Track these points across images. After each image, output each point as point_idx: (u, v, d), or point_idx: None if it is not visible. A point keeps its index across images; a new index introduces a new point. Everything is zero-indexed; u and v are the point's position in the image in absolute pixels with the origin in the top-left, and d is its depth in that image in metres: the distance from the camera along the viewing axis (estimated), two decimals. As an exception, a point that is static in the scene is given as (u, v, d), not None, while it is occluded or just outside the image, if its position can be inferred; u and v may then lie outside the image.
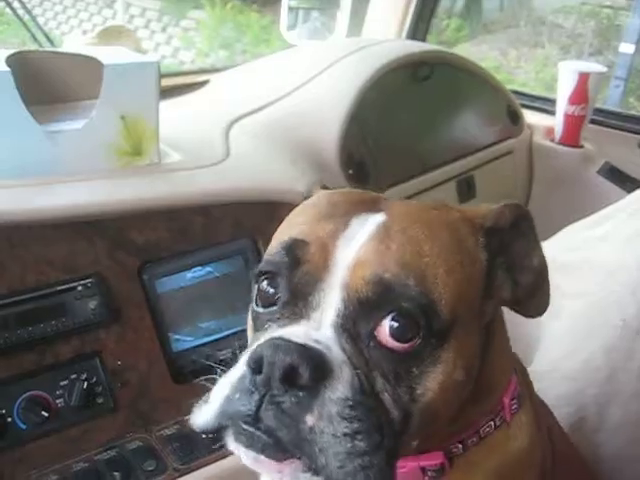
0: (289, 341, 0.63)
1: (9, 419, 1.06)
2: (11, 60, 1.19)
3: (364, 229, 0.70)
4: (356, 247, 0.69)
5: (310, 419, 0.62)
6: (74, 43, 1.90)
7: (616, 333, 1.20)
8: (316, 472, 0.63)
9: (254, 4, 5.81)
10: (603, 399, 1.16)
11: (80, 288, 1.14)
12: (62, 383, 1.10)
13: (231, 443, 0.66)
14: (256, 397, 0.63)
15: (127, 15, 6.02)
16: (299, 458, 0.63)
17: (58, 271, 1.14)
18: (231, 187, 1.33)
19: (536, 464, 0.86)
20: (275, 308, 0.71)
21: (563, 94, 2.35)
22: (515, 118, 2.36)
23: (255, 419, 0.63)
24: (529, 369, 0.95)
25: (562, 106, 2.35)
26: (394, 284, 0.66)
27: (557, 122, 2.40)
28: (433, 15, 2.54)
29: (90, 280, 1.15)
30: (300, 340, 0.64)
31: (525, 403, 0.85)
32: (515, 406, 0.83)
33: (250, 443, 0.64)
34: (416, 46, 2.12)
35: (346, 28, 2.34)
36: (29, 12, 2.21)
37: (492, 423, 0.80)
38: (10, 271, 1.11)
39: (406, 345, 0.66)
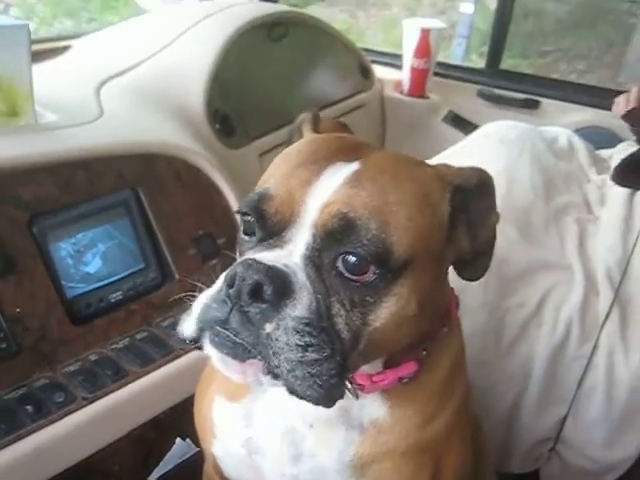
0: (260, 262, 0.74)
1: None
2: None
3: (336, 177, 0.79)
4: (327, 193, 0.77)
5: (269, 327, 0.72)
6: None
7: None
8: (274, 375, 0.74)
9: (101, -30, 5.60)
10: None
11: (-29, 243, 1.16)
12: (-38, 333, 1.13)
13: (206, 346, 0.77)
14: (228, 306, 0.74)
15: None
16: (259, 360, 0.73)
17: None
18: (109, 142, 1.40)
19: (465, 365, 1.03)
20: (255, 238, 0.82)
21: (408, 49, 2.54)
22: (366, 73, 2.53)
23: (225, 322, 0.74)
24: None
25: (408, 60, 2.55)
26: (357, 223, 0.75)
27: (404, 75, 2.59)
28: (284, -22, 2.66)
29: (-20, 235, 1.17)
30: (270, 262, 0.74)
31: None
32: (456, 311, 0.99)
33: (220, 343, 0.75)
34: (270, 7, 2.24)
35: (201, -8, 2.41)
36: None
37: (445, 329, 0.94)
38: None
39: (361, 277, 0.76)
